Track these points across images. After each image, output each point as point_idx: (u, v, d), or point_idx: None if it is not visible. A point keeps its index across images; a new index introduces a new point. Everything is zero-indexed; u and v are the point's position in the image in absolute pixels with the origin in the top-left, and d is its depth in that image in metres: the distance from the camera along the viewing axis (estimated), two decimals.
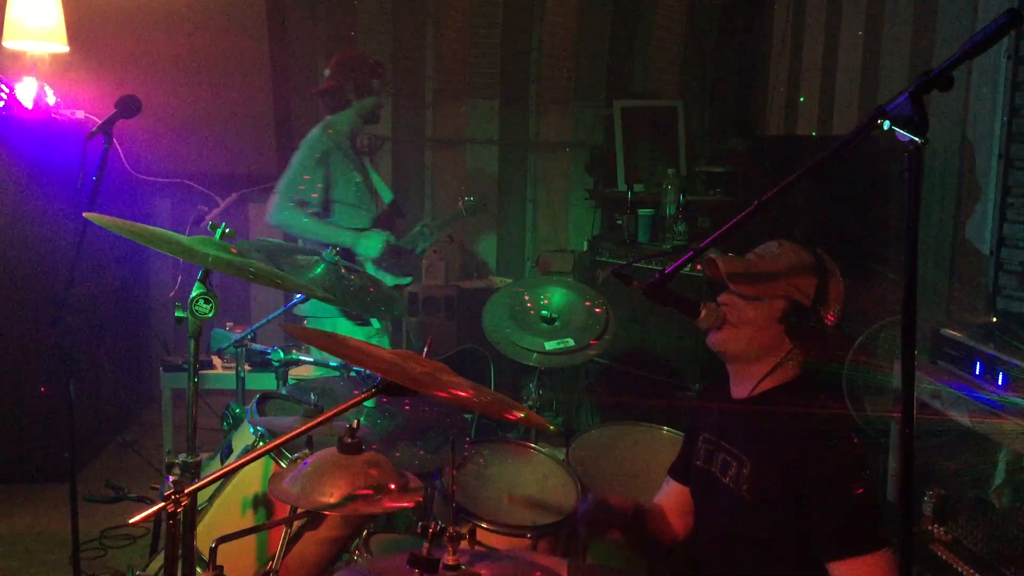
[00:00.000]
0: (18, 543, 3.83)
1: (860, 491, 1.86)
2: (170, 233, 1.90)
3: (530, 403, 3.23)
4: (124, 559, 3.63)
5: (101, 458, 4.78)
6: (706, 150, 5.46)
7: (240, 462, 1.50)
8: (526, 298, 3.38)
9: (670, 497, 2.31)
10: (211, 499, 2.29)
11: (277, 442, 1.51)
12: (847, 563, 1.83)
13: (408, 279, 4.11)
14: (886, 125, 1.40)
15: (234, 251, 1.89)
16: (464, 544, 1.78)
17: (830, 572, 1.85)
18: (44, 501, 4.14)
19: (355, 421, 1.84)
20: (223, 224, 1.90)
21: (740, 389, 2.08)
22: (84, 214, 1.84)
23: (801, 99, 4.33)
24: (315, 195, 3.84)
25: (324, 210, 3.89)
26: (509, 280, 5.69)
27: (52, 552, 3.68)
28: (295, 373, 3.79)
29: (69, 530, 3.11)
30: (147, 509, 1.42)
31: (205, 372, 4.40)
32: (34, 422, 4.30)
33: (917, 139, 1.36)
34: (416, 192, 6.03)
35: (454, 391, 1.48)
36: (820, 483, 1.86)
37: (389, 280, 3.90)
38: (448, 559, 1.71)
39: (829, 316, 2.02)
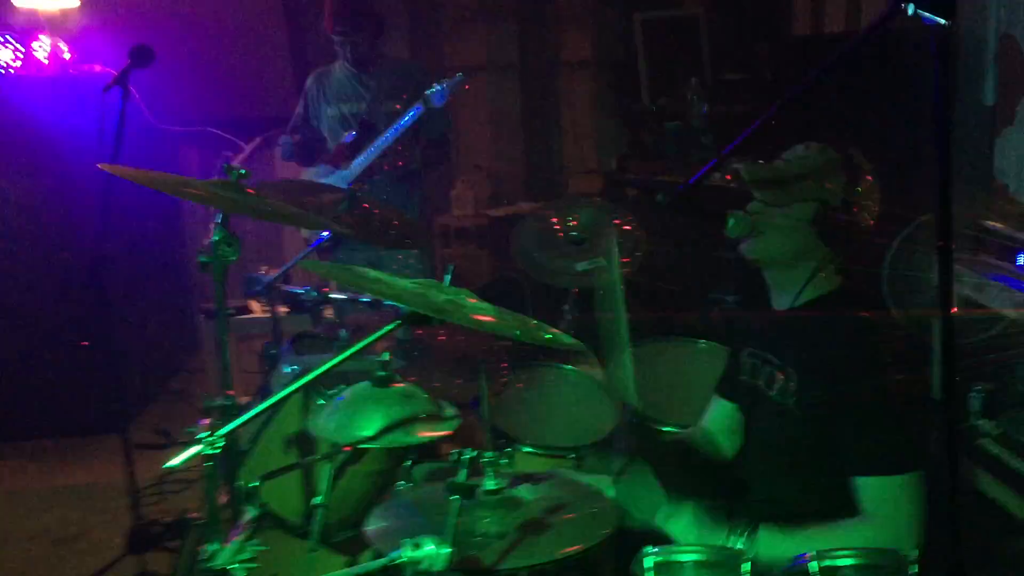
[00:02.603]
0: (77, 493, 3.94)
1: (904, 408, 1.83)
2: (184, 178, 1.89)
3: (564, 326, 3.21)
4: (182, 502, 3.72)
5: (152, 407, 4.88)
6: (731, 58, 5.30)
7: (271, 401, 1.51)
8: (554, 221, 3.34)
9: (718, 416, 2.29)
10: (254, 440, 2.33)
11: (302, 381, 1.51)
12: (875, 481, 1.81)
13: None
14: (911, 9, 1.33)
15: (250, 191, 1.88)
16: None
17: (856, 487, 1.83)
18: (99, 452, 4.24)
19: (384, 354, 1.85)
20: (236, 164, 1.88)
21: (782, 300, 2.04)
22: (98, 165, 1.83)
23: None
24: (299, 132, 4.17)
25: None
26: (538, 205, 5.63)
27: (112, 500, 3.78)
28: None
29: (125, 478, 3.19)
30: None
31: (243, 317, 4.45)
32: (82, 375, 4.38)
33: (943, 21, 1.30)
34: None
35: (477, 316, 1.47)
36: (865, 398, 1.83)
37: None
38: (488, 484, 1.73)
39: (863, 216, 1.97)
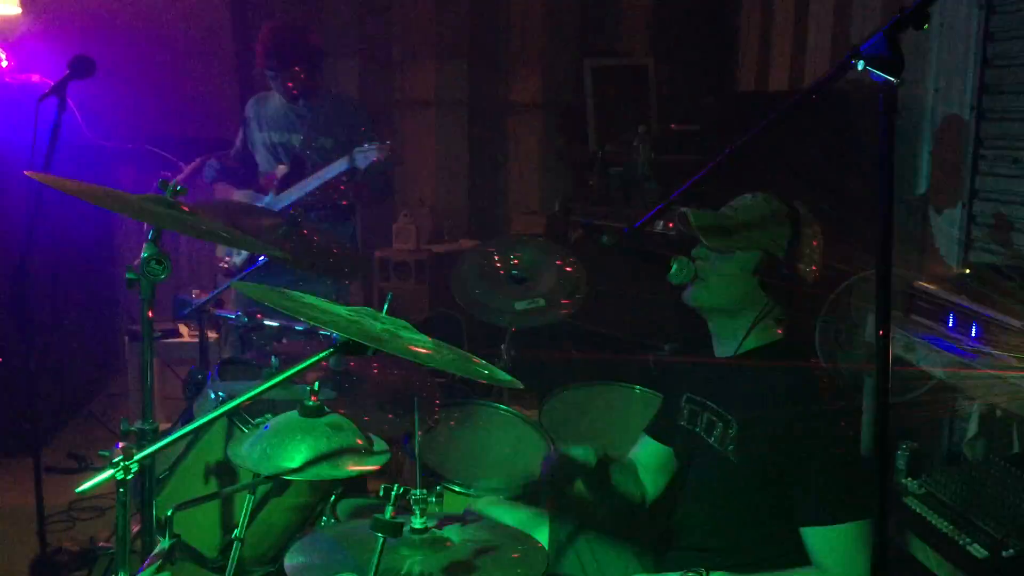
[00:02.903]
0: None
1: (845, 458, 1.83)
2: (118, 191, 1.82)
3: (501, 364, 3.18)
4: (92, 530, 3.57)
5: (67, 430, 4.69)
6: (678, 108, 5.39)
7: (191, 427, 1.44)
8: (496, 259, 3.32)
9: (645, 454, 2.27)
10: (173, 467, 2.23)
11: (225, 407, 1.44)
12: (823, 531, 1.80)
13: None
14: (860, 65, 1.35)
15: (185, 209, 1.81)
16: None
17: (804, 538, 1.82)
18: (8, 474, 4.06)
19: (315, 383, 1.79)
20: (173, 181, 1.82)
21: (724, 347, 2.05)
22: (26, 172, 1.75)
23: None
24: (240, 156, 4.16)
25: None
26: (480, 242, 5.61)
27: (19, 525, 3.61)
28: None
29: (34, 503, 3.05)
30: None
31: (172, 341, 4.33)
32: None
33: (892, 79, 1.32)
34: None
35: (413, 348, 1.42)
36: (806, 448, 1.83)
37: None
38: (415, 522, 1.67)
39: (805, 268, 1.98)
